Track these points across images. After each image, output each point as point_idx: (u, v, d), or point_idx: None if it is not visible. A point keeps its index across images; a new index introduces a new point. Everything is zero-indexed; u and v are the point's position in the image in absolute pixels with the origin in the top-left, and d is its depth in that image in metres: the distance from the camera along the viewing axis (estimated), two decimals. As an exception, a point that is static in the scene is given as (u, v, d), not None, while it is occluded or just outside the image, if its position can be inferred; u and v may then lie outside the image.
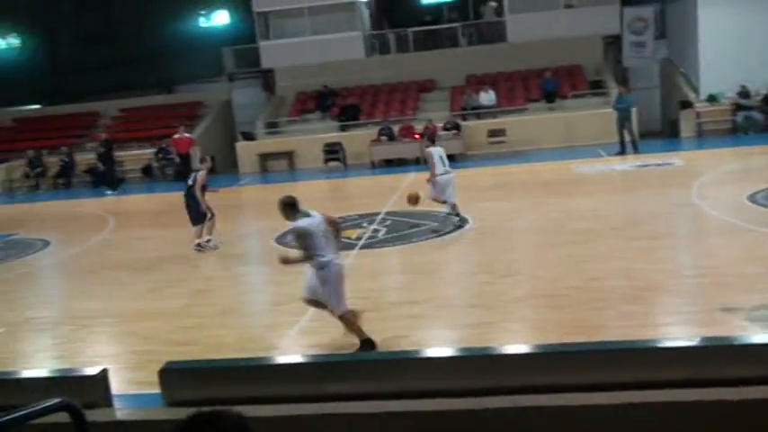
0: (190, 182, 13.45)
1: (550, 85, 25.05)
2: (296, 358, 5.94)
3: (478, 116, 24.93)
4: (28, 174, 26.21)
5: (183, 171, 21.25)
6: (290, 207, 7.51)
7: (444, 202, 13.42)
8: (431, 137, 14.95)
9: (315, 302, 7.84)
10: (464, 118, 24.73)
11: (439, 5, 30.63)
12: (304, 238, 7.41)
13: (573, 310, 8.39)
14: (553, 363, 3.92)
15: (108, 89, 29.61)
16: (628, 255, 10.52)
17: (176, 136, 23.66)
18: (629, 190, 16.50)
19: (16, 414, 2.61)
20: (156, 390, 4.24)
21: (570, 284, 9.34)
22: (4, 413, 2.64)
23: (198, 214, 13.22)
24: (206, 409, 2.33)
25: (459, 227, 13.32)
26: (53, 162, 26.28)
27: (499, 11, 27.73)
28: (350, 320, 7.72)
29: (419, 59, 27.39)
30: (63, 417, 2.84)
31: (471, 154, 23.48)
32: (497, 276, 10.16)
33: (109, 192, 23.38)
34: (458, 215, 13.49)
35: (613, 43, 26.72)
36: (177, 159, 24.15)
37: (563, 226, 12.81)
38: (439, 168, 13.13)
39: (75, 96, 30.29)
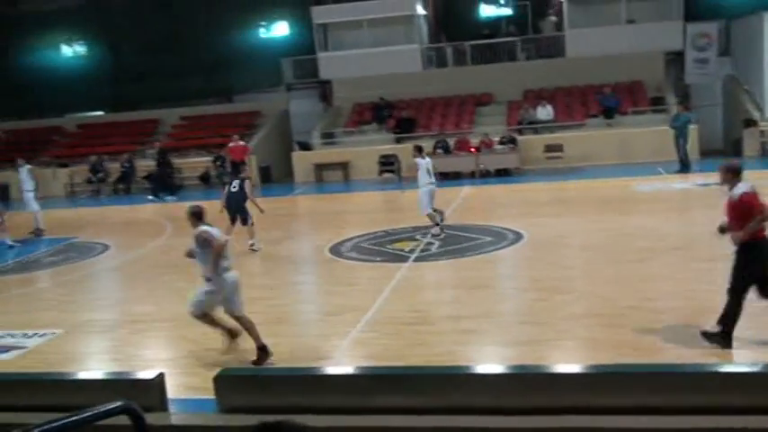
0: (233, 188, 14.12)
1: (610, 101, 24.68)
2: (348, 369, 5.97)
3: (535, 131, 24.72)
4: (90, 179, 26.89)
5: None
6: (196, 216, 8.18)
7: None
8: (419, 147, 15.02)
9: (205, 317, 8.21)
10: (520, 132, 24.55)
11: (497, 19, 30.49)
12: (208, 242, 7.93)
13: (628, 331, 8.24)
14: (607, 383, 3.86)
15: (169, 97, 30.20)
16: (687, 275, 10.30)
17: (231, 144, 23.98)
18: (689, 209, 16.16)
19: (80, 416, 2.66)
20: (211, 395, 4.30)
21: (626, 304, 9.18)
22: (64, 414, 2.69)
23: (246, 213, 14.06)
24: (270, 418, 2.33)
25: (437, 235, 14.00)
26: (114, 168, 26.91)
27: (559, 25, 27.48)
28: (243, 326, 8.08)
29: (476, 73, 27.27)
30: (121, 419, 2.88)
31: (527, 169, 23.31)
32: (551, 293, 10.04)
33: (151, 197, 23.93)
34: (439, 224, 14.19)
35: (675, 59, 26.20)
36: (229, 168, 24.44)
37: (620, 244, 12.61)
38: (424, 179, 14.03)
39: (137, 104, 31.04)
